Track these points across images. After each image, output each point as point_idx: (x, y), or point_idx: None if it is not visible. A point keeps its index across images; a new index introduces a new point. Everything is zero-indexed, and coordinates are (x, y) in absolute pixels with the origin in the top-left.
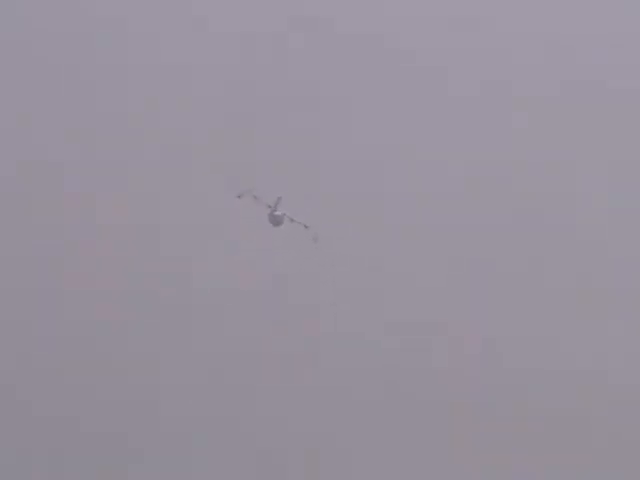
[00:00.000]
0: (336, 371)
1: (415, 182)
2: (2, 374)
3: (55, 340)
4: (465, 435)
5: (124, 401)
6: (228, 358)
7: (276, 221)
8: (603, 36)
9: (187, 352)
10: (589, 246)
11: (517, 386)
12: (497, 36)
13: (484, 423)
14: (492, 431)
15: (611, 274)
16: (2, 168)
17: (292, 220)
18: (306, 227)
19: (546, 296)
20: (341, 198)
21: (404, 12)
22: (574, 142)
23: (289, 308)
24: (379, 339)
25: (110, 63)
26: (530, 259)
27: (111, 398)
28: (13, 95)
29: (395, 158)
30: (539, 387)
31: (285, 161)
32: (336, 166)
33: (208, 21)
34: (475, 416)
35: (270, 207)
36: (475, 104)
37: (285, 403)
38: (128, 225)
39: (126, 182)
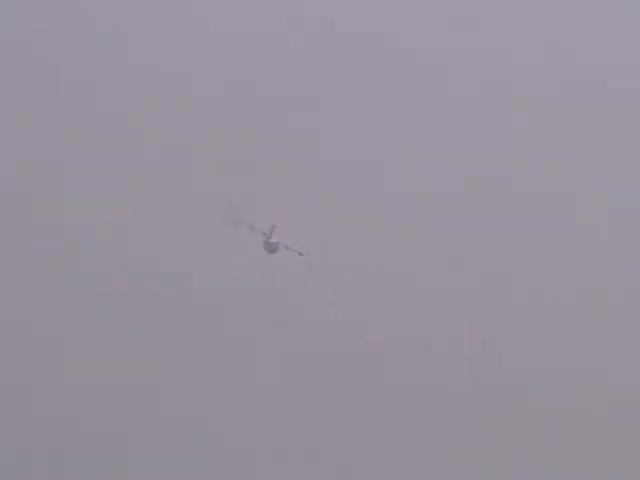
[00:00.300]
0: (336, 371)
1: (415, 182)
2: (2, 374)
3: (55, 340)
4: (465, 434)
5: (124, 401)
6: (228, 358)
7: (271, 248)
8: (603, 36)
9: (187, 352)
10: (589, 246)
11: (517, 386)
12: (497, 36)
13: (484, 423)
14: (492, 431)
15: (611, 274)
16: (2, 168)
17: (287, 247)
18: (301, 254)
19: (546, 296)
20: (341, 198)
21: (404, 12)
22: (574, 142)
23: (289, 308)
24: (379, 339)
25: (110, 63)
26: (530, 259)
27: (111, 398)
28: (13, 95)
29: (395, 158)
30: (539, 387)
31: (285, 161)
32: (336, 166)
33: (208, 21)
34: (475, 416)
35: (265, 235)
36: (475, 104)
37: (285, 403)
38: (128, 225)
39: (126, 182)
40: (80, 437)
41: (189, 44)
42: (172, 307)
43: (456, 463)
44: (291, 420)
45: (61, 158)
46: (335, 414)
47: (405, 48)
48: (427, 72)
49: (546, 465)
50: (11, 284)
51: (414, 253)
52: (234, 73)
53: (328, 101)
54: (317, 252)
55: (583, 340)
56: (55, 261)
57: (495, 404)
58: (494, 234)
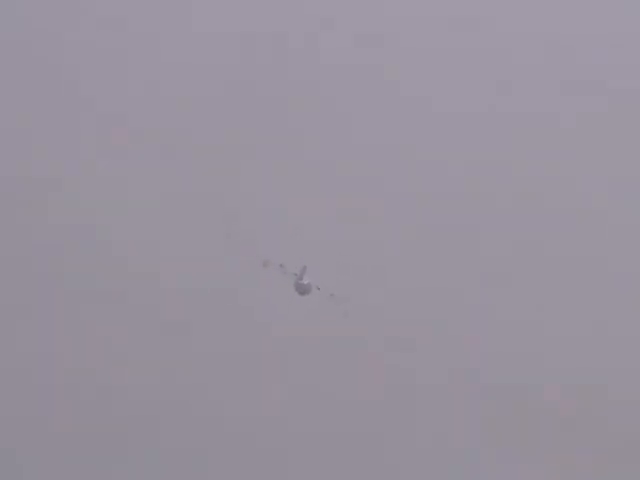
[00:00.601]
0: (336, 371)
1: (415, 182)
2: (2, 374)
3: (54, 340)
4: (465, 434)
5: (124, 401)
6: (226, 356)
7: (302, 289)
8: (603, 36)
9: (187, 352)
10: (589, 246)
11: (517, 386)
12: (497, 36)
13: (483, 423)
14: (492, 431)
15: (612, 274)
16: (2, 168)
17: (318, 288)
18: (332, 295)
19: (547, 296)
20: (341, 198)
21: (404, 12)
22: (574, 142)
23: (289, 307)
24: (379, 338)
25: (110, 63)
26: (530, 259)
27: (111, 398)
28: (13, 95)
29: (395, 158)
30: (539, 387)
31: (285, 161)
32: (336, 166)
33: (208, 21)
34: (475, 416)
35: (296, 275)
36: (475, 104)
37: (285, 403)
38: (128, 225)
39: (126, 182)
40: (80, 437)
41: (189, 44)
42: (171, 307)
43: (456, 463)
44: (290, 420)
45: (61, 159)
46: (335, 414)
47: (405, 48)
48: (427, 72)
49: (546, 465)
50: (11, 284)
51: (414, 253)
52: (234, 73)
53: (328, 101)
54: (316, 252)
55: (583, 340)
56: (55, 261)
57: (495, 404)
58: (494, 234)
